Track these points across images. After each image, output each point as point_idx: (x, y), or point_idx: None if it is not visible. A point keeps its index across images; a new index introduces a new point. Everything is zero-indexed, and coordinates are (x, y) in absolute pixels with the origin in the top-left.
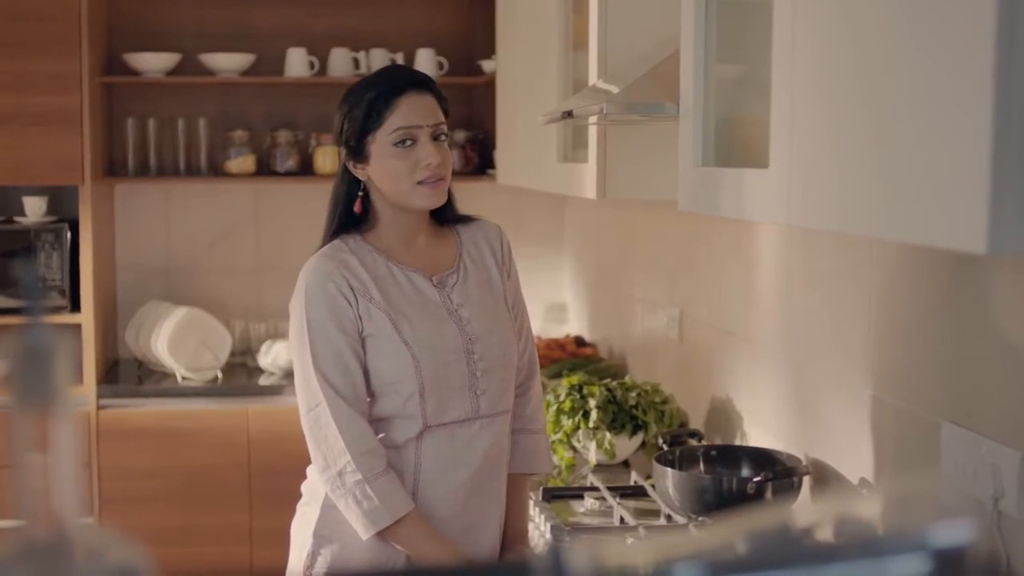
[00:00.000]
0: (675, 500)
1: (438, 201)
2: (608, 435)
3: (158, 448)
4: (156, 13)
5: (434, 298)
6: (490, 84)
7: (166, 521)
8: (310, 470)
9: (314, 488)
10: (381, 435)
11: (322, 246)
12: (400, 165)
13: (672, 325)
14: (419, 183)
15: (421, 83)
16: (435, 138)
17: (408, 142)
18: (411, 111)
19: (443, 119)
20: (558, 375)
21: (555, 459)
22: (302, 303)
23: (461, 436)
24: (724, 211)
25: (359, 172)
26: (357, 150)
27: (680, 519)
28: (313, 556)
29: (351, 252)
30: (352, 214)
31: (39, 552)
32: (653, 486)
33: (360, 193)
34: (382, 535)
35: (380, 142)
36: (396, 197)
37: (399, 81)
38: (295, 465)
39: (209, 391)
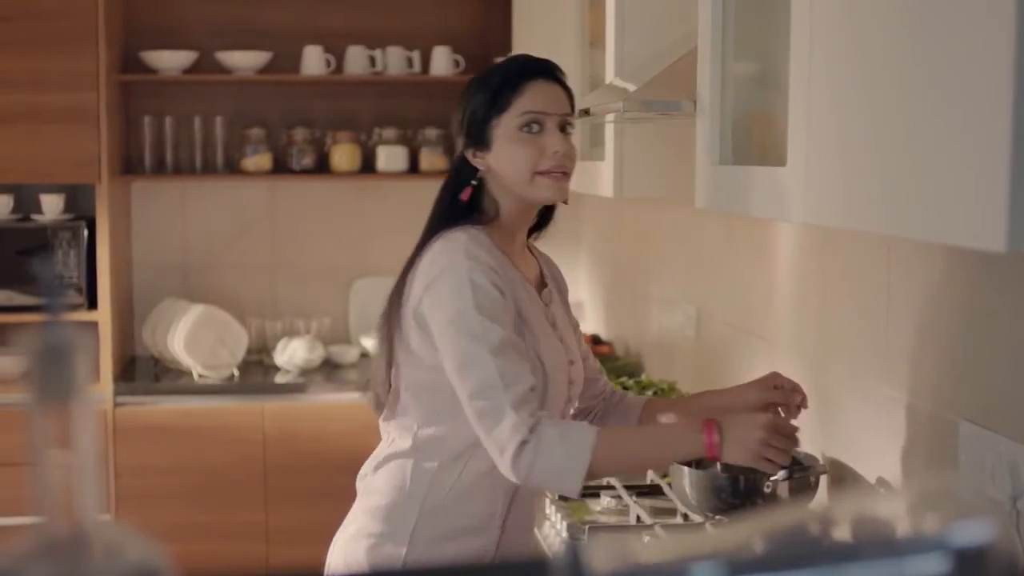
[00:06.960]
0: (692, 499)
1: (559, 196)
2: None
3: (174, 446)
4: (173, 11)
5: (541, 310)
6: None
7: (182, 518)
8: (385, 470)
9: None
10: (478, 450)
11: (427, 239)
12: (523, 151)
13: (689, 323)
14: (540, 173)
15: (550, 72)
16: (561, 129)
17: (535, 127)
18: (539, 96)
19: (571, 111)
20: None
21: None
22: (460, 288)
23: None
24: (741, 209)
25: (478, 161)
26: (478, 136)
27: (697, 518)
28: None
29: (487, 244)
30: (458, 206)
31: (57, 548)
32: (670, 485)
33: (473, 183)
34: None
35: (505, 126)
36: (516, 187)
37: (528, 67)
38: (311, 463)
39: (225, 389)
